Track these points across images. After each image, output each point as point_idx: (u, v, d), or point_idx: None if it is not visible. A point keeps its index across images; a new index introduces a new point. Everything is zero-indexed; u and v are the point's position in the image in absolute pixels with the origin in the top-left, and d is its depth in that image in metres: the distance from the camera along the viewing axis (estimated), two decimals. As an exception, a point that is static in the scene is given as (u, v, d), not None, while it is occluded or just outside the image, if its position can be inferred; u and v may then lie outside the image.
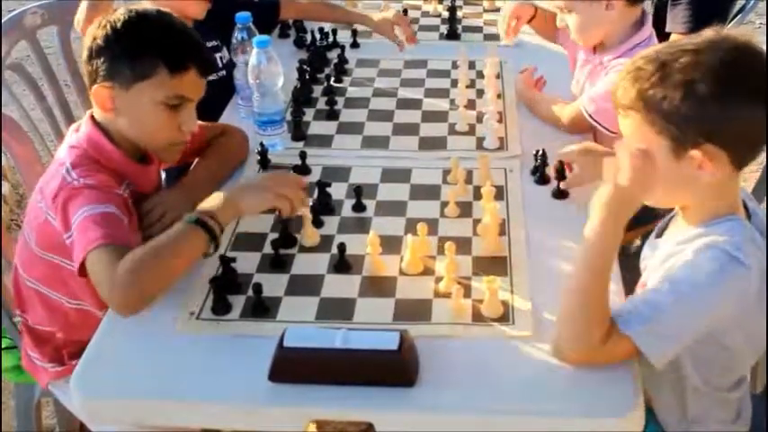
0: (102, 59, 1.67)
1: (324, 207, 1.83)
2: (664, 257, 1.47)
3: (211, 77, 2.37)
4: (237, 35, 2.21)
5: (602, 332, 1.36)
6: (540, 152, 1.94)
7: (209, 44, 2.39)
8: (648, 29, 2.13)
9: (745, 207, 1.50)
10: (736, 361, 1.52)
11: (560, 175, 1.87)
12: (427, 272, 1.64)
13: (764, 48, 1.45)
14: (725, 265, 1.36)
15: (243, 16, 2.20)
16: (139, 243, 1.58)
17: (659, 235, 1.57)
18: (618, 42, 2.11)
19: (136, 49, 1.66)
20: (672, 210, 1.58)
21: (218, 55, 2.44)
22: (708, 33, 1.43)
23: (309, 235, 1.73)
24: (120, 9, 1.71)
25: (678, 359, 1.49)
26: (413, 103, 2.32)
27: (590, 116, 2.07)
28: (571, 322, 1.39)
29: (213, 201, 1.58)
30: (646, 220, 1.65)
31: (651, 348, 1.37)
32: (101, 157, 1.69)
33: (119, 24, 1.67)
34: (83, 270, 1.52)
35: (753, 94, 1.37)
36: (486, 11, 2.97)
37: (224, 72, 2.42)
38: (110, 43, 1.67)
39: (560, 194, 1.88)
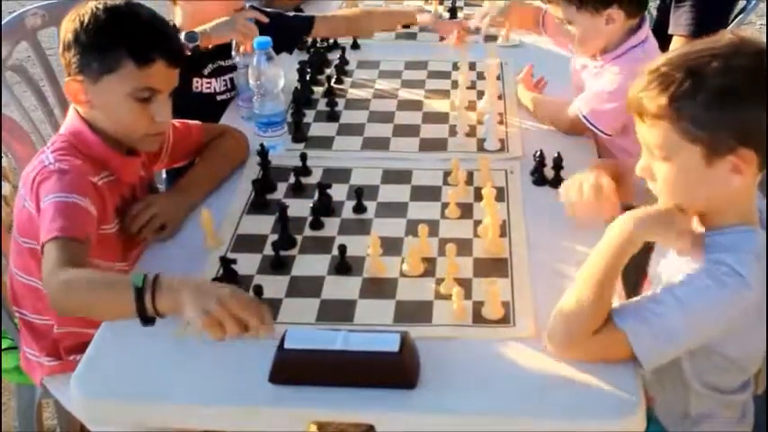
0: (72, 52, 1.69)
1: (324, 209, 1.83)
2: (675, 261, 1.47)
3: (224, 96, 2.37)
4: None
5: (597, 325, 1.39)
6: (540, 153, 1.94)
7: (225, 63, 2.38)
8: (645, 31, 2.13)
9: None
10: (736, 368, 1.52)
11: (557, 166, 1.90)
12: (428, 273, 1.64)
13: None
14: (728, 280, 1.36)
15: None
16: (112, 236, 1.65)
17: None
18: (614, 47, 2.11)
19: (102, 42, 1.67)
20: None
21: (233, 74, 2.39)
22: (728, 37, 1.42)
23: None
24: (90, 2, 1.72)
25: (678, 362, 1.49)
26: (413, 105, 2.32)
27: (584, 118, 2.08)
28: (568, 314, 1.41)
29: (167, 283, 1.40)
30: None
31: (642, 348, 1.37)
32: (81, 145, 1.71)
33: (87, 17, 1.68)
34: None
35: None
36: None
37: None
38: (78, 36, 1.68)
39: (556, 183, 1.89)
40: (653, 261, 1.61)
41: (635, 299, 1.45)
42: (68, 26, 1.71)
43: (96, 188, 1.66)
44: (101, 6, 1.70)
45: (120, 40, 1.67)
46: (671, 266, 1.50)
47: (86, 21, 1.68)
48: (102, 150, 1.72)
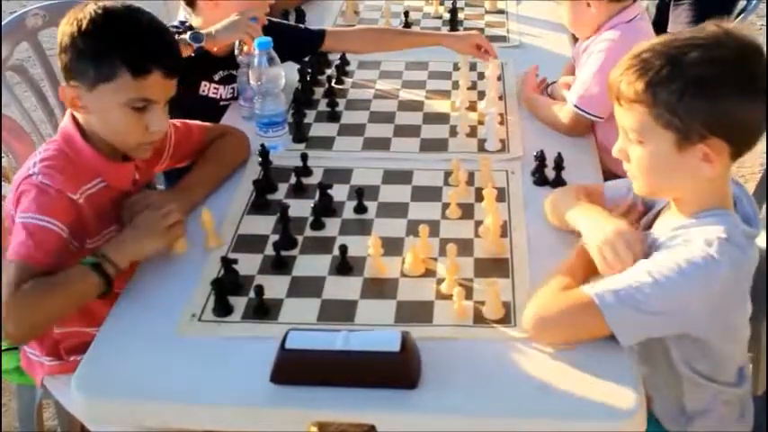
0: (68, 57, 1.68)
1: (325, 209, 1.83)
2: (653, 247, 1.49)
3: (229, 103, 2.36)
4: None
5: (566, 301, 1.45)
6: (541, 153, 1.94)
7: (234, 72, 2.37)
8: (636, 9, 2.15)
9: None
10: (721, 353, 1.52)
11: (557, 167, 1.90)
12: (429, 273, 1.64)
13: (762, 43, 1.47)
14: (699, 261, 1.38)
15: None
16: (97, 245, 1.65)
17: (647, 228, 1.59)
18: (606, 27, 2.15)
19: (98, 50, 1.65)
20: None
21: None
22: (711, 28, 1.44)
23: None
24: (89, 5, 1.70)
25: (667, 350, 1.51)
26: (414, 105, 2.32)
27: (576, 108, 2.09)
28: (538, 294, 1.50)
29: (113, 244, 1.63)
30: None
31: (616, 321, 1.39)
32: (72, 152, 1.70)
33: (84, 22, 1.66)
34: None
35: (756, 88, 1.40)
36: (487, 12, 2.98)
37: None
38: (75, 41, 1.66)
39: (557, 183, 1.90)
40: None
41: (608, 277, 1.47)
42: (65, 29, 1.69)
43: (75, 205, 1.66)
44: (99, 11, 1.67)
45: (115, 49, 1.64)
46: (661, 229, 1.52)
47: (84, 26, 1.66)
48: (92, 158, 1.71)
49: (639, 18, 2.16)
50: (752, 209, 1.52)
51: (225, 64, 2.33)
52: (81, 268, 1.57)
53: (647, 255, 1.47)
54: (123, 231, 1.67)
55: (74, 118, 1.73)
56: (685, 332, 1.47)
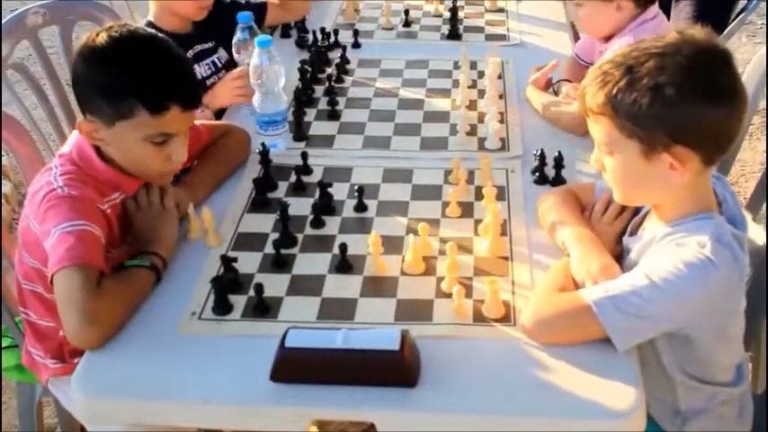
0: (84, 90, 1.66)
1: (325, 207, 1.83)
2: (641, 251, 1.50)
3: (212, 80, 2.39)
4: (240, 35, 2.22)
5: (562, 304, 1.46)
6: (541, 152, 1.94)
7: (204, 46, 2.42)
8: (653, 10, 2.17)
9: (715, 193, 1.51)
10: (714, 354, 1.52)
11: (558, 165, 1.90)
12: (428, 272, 1.64)
13: (726, 47, 1.46)
14: (696, 262, 1.38)
15: (244, 15, 2.20)
16: (118, 258, 1.63)
17: (632, 233, 1.59)
18: (621, 30, 2.16)
19: (114, 88, 1.62)
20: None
21: (214, 56, 2.47)
22: (671, 35, 1.44)
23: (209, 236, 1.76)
24: (102, 33, 1.65)
25: (658, 356, 1.51)
26: (414, 104, 2.32)
27: None
28: (535, 294, 1.52)
29: (153, 244, 1.66)
30: None
31: (612, 325, 1.39)
32: (90, 170, 1.68)
33: (98, 56, 1.63)
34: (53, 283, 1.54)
35: (716, 94, 1.39)
36: (487, 11, 2.97)
37: (224, 72, 2.44)
38: (90, 77, 1.64)
39: (557, 182, 1.90)
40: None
41: (604, 281, 1.47)
42: (78, 60, 1.65)
43: (105, 215, 1.65)
44: (111, 42, 1.63)
45: (132, 88, 1.61)
46: (640, 245, 1.52)
47: (97, 59, 1.63)
48: (111, 175, 1.69)
49: (660, 16, 2.17)
50: (738, 209, 1.52)
51: (190, 40, 2.35)
52: (136, 269, 1.59)
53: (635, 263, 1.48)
54: (146, 230, 1.69)
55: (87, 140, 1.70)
56: (681, 331, 1.46)
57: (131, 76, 1.62)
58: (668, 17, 2.78)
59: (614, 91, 1.40)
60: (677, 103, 1.37)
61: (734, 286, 1.45)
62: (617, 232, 1.62)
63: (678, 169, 1.40)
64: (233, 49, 2.28)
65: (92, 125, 1.65)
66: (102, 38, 1.64)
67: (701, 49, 1.41)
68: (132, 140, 1.65)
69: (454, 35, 2.76)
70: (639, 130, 1.40)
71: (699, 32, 1.44)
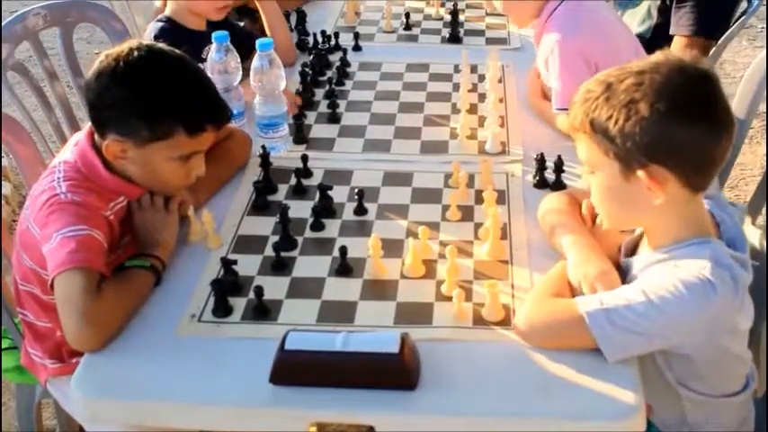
0: (115, 114, 1.65)
1: (325, 210, 1.83)
2: (639, 273, 1.49)
3: None
4: (215, 55, 2.14)
5: (556, 310, 1.46)
6: (541, 156, 1.94)
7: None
8: None
9: (712, 215, 1.49)
10: (716, 370, 1.51)
11: (558, 169, 1.90)
12: (428, 275, 1.64)
13: (712, 68, 1.44)
14: (697, 283, 1.36)
15: (220, 35, 2.13)
16: (114, 261, 1.63)
17: (629, 254, 1.57)
18: (540, 13, 2.19)
19: (154, 111, 1.64)
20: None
21: None
22: (656, 55, 1.44)
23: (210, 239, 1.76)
24: (130, 54, 1.64)
25: (661, 372, 1.51)
26: (415, 107, 2.32)
27: (558, 111, 2.11)
28: (529, 298, 1.52)
29: (154, 246, 1.67)
30: None
31: (603, 337, 1.38)
32: (95, 178, 1.68)
33: (133, 78, 1.64)
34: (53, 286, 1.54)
35: (693, 115, 1.37)
36: (488, 14, 2.97)
37: None
38: (125, 100, 1.64)
39: (557, 186, 1.90)
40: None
41: (600, 293, 1.46)
42: (105, 81, 1.64)
43: (108, 222, 1.66)
44: (144, 64, 1.64)
45: (174, 111, 1.64)
46: (641, 261, 1.51)
47: (133, 82, 1.63)
48: (116, 184, 1.70)
49: None
50: (737, 229, 1.50)
51: (205, 40, 2.30)
52: (137, 270, 1.60)
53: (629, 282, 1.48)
54: (148, 232, 1.70)
55: (94, 147, 1.70)
56: (677, 350, 1.46)
57: (172, 99, 1.65)
58: (669, 24, 2.78)
59: (593, 107, 1.41)
60: (650, 121, 1.35)
61: (733, 308, 1.42)
62: (618, 239, 1.61)
63: (654, 190, 1.39)
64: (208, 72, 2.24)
65: (121, 145, 1.66)
66: (133, 60, 1.65)
67: (680, 67, 1.40)
68: (162, 159, 1.67)
69: (455, 38, 2.76)
70: (615, 147, 1.39)
71: (686, 55, 1.44)
